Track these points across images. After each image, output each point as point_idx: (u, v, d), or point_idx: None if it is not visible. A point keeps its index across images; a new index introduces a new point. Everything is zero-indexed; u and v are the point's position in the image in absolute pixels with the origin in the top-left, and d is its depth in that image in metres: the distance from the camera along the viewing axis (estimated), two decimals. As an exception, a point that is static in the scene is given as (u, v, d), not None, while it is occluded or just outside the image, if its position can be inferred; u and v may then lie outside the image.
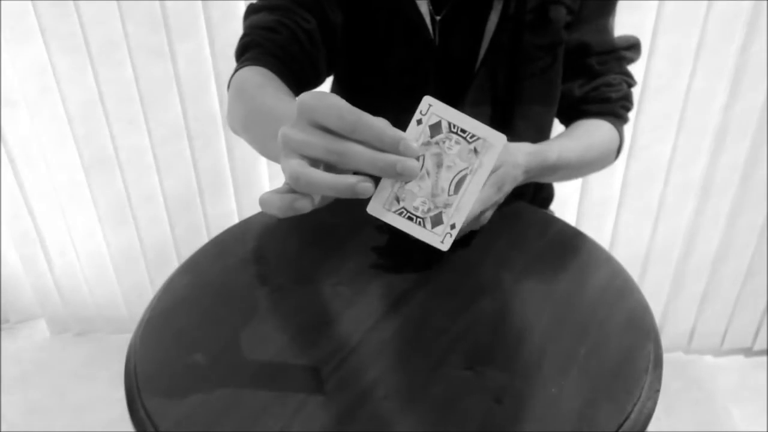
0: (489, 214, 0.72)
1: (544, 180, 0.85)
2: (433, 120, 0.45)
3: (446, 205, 0.46)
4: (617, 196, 1.57)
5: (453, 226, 0.46)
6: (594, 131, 0.90)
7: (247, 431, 0.50)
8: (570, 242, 0.76)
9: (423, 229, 0.46)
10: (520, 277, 0.69)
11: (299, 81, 0.77)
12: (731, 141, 1.46)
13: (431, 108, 0.45)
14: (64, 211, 1.71)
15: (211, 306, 0.65)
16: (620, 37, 0.92)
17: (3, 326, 1.91)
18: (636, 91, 1.42)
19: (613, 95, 0.90)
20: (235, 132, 0.75)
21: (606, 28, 0.90)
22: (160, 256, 1.76)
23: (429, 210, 0.46)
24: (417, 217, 0.47)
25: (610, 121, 0.91)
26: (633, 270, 1.71)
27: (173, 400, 0.53)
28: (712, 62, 1.38)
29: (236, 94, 0.72)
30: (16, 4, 1.43)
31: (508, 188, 0.73)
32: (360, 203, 0.60)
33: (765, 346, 1.71)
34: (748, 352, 1.74)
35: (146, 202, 1.68)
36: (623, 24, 1.34)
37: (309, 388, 0.54)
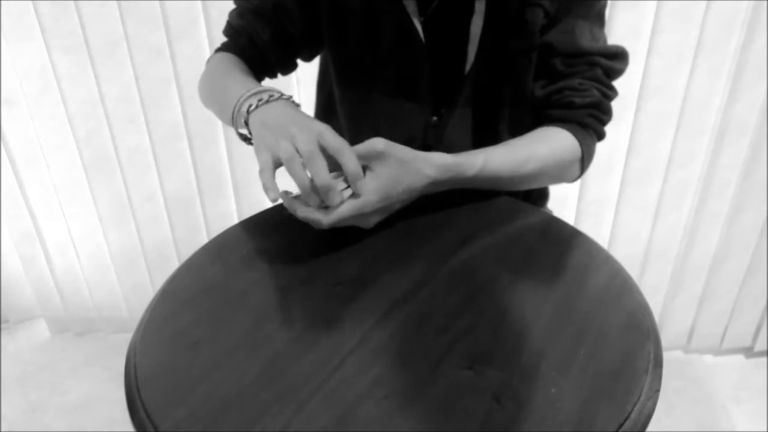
0: (375, 218, 0.72)
1: (476, 187, 0.80)
2: None
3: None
4: (616, 195, 1.57)
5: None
6: (543, 141, 0.84)
7: (247, 431, 0.50)
8: (569, 242, 0.76)
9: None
10: (519, 277, 0.69)
11: (258, 73, 0.93)
12: (730, 140, 1.46)
13: None
14: (64, 211, 1.71)
15: (211, 306, 0.65)
16: (603, 45, 0.87)
17: (3, 326, 1.91)
18: (635, 90, 1.43)
19: (577, 101, 0.84)
20: (203, 102, 0.94)
21: (573, 30, 0.84)
22: (161, 256, 1.76)
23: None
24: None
25: (572, 131, 0.84)
26: (632, 269, 1.70)
27: (173, 401, 0.53)
28: (711, 61, 1.38)
29: (208, 72, 0.91)
30: (16, 4, 1.43)
31: (405, 197, 0.72)
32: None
33: (765, 347, 1.71)
34: (749, 352, 1.74)
35: (146, 202, 1.68)
36: (623, 23, 1.34)
37: (309, 388, 0.54)
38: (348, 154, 0.66)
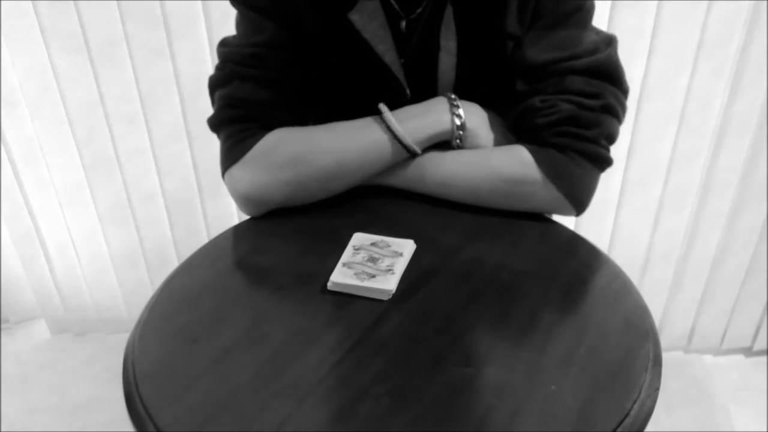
0: None
1: (426, 189, 0.79)
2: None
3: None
4: (616, 197, 1.57)
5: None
6: (481, 152, 0.78)
7: (246, 429, 0.50)
8: (569, 244, 0.76)
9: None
10: (519, 278, 0.69)
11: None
12: (731, 141, 1.46)
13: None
14: (64, 211, 1.71)
15: (210, 305, 0.65)
16: (582, 47, 0.75)
17: (3, 326, 1.91)
18: (636, 91, 1.43)
19: (539, 121, 0.74)
20: (263, 201, 0.78)
21: (533, 43, 0.75)
22: (160, 256, 1.76)
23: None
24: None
25: (530, 149, 0.75)
26: (632, 270, 1.70)
27: (172, 398, 0.53)
28: (711, 62, 1.38)
29: (278, 149, 0.77)
30: (16, 4, 1.43)
31: None
32: (360, 207, 0.66)
33: (765, 346, 1.71)
34: (748, 352, 1.74)
35: (146, 203, 1.68)
36: (623, 24, 1.34)
37: (308, 385, 0.54)
38: None
